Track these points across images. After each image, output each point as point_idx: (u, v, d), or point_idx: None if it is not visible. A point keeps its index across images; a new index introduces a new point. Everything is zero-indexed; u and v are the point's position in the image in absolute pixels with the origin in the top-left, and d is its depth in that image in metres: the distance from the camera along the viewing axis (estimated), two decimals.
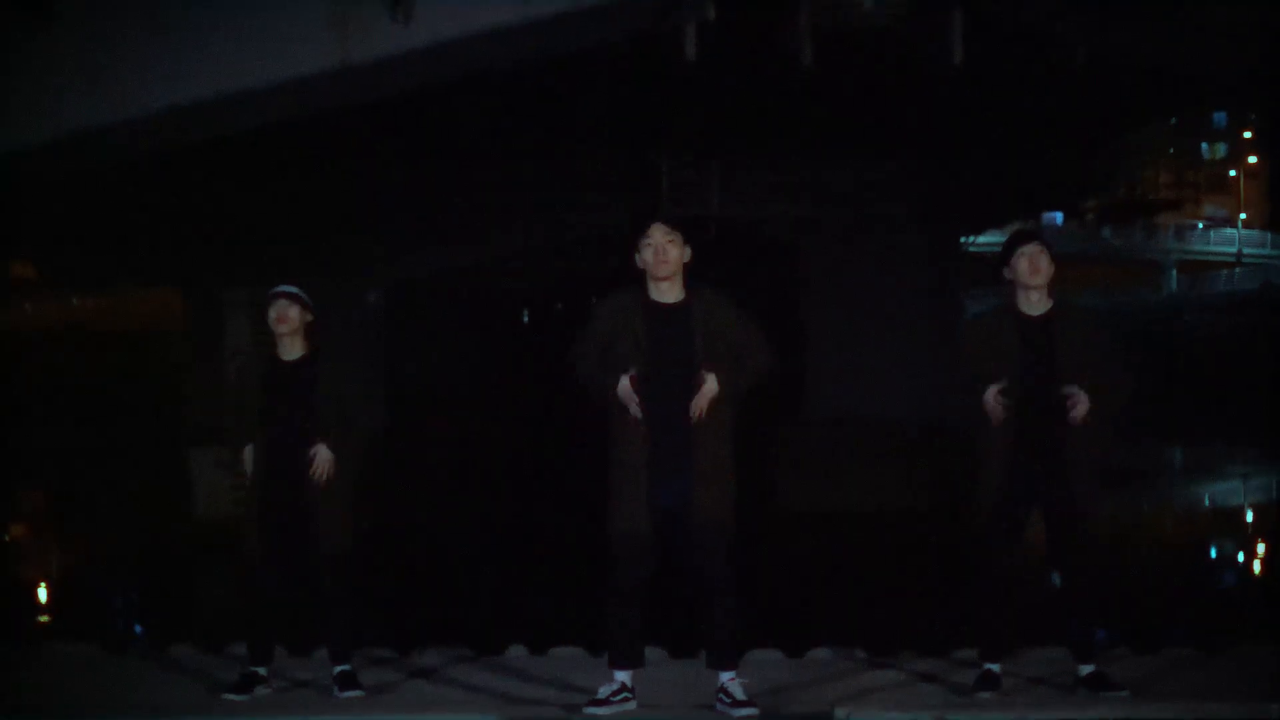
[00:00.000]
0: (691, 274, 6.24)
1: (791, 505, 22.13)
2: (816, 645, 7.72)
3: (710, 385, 5.99)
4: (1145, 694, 6.52)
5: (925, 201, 24.39)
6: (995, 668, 6.49)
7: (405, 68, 12.36)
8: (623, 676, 6.32)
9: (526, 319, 34.23)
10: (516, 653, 7.80)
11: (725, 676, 6.29)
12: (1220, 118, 66.68)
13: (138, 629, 13.58)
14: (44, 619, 15.48)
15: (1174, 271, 61.93)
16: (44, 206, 18.09)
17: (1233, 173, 69.07)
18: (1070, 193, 36.05)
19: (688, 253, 6.16)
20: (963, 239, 28.65)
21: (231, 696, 6.65)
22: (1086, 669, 6.53)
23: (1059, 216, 59.81)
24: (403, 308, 26.22)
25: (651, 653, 7.78)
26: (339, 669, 6.81)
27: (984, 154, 24.34)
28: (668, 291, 6.14)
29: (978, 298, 41.96)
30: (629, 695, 6.31)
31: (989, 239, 47.44)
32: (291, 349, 6.73)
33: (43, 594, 17.67)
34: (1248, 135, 66.65)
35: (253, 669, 6.76)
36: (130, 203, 19.64)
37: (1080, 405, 6.21)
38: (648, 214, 6.18)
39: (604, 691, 6.31)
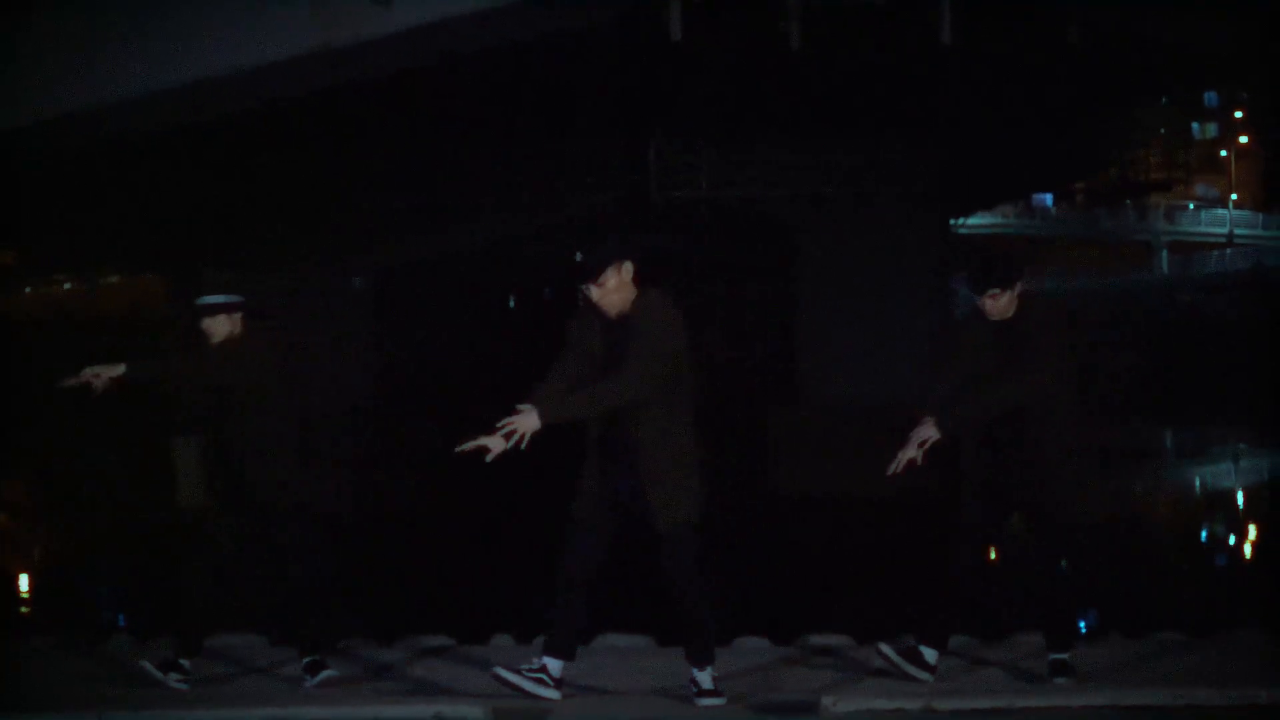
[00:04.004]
0: (651, 280, 6.27)
1: (779, 491, 22.07)
2: (805, 632, 7.66)
3: (525, 420, 5.95)
4: (1133, 679, 6.48)
5: (914, 183, 24.30)
6: (935, 654, 6.57)
7: (387, 51, 12.26)
8: (551, 664, 6.28)
9: (513, 304, 34.16)
10: (501, 642, 7.74)
11: (694, 672, 6.30)
12: (1211, 97, 66.64)
13: (120, 620, 13.50)
14: (25, 611, 15.40)
15: (1165, 252, 61.97)
16: (27, 191, 17.96)
17: (1224, 153, 69.03)
18: (1061, 174, 36.00)
19: (625, 271, 6.14)
20: (952, 220, 28.56)
21: (150, 669, 6.68)
22: (1057, 657, 6.54)
23: (1049, 198, 59.85)
24: (387, 293, 26.14)
25: (640, 640, 7.73)
26: (307, 659, 6.78)
27: (974, 135, 24.26)
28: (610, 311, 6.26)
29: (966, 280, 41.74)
30: (546, 681, 6.25)
31: (979, 220, 47.51)
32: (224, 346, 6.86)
33: (24, 585, 17.59)
34: (1239, 115, 66.64)
35: (181, 660, 6.74)
36: (114, 188, 19.53)
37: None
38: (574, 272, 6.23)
39: (526, 666, 6.29)
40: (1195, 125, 70.22)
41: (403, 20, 11.76)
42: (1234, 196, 67.13)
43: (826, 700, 6.01)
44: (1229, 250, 60.92)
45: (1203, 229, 64.80)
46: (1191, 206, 66.62)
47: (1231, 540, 20.76)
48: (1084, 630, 12.03)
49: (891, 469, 6.48)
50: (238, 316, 6.81)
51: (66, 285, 44.53)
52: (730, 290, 31.54)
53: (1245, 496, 25.50)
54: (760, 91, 21.05)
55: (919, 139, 23.92)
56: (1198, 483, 28.32)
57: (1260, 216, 64.95)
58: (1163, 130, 64.23)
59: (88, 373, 6.67)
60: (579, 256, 6.19)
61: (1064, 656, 6.52)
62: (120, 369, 6.69)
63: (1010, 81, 21.45)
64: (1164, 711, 6.03)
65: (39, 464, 26.07)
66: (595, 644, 7.72)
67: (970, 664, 6.93)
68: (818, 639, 7.52)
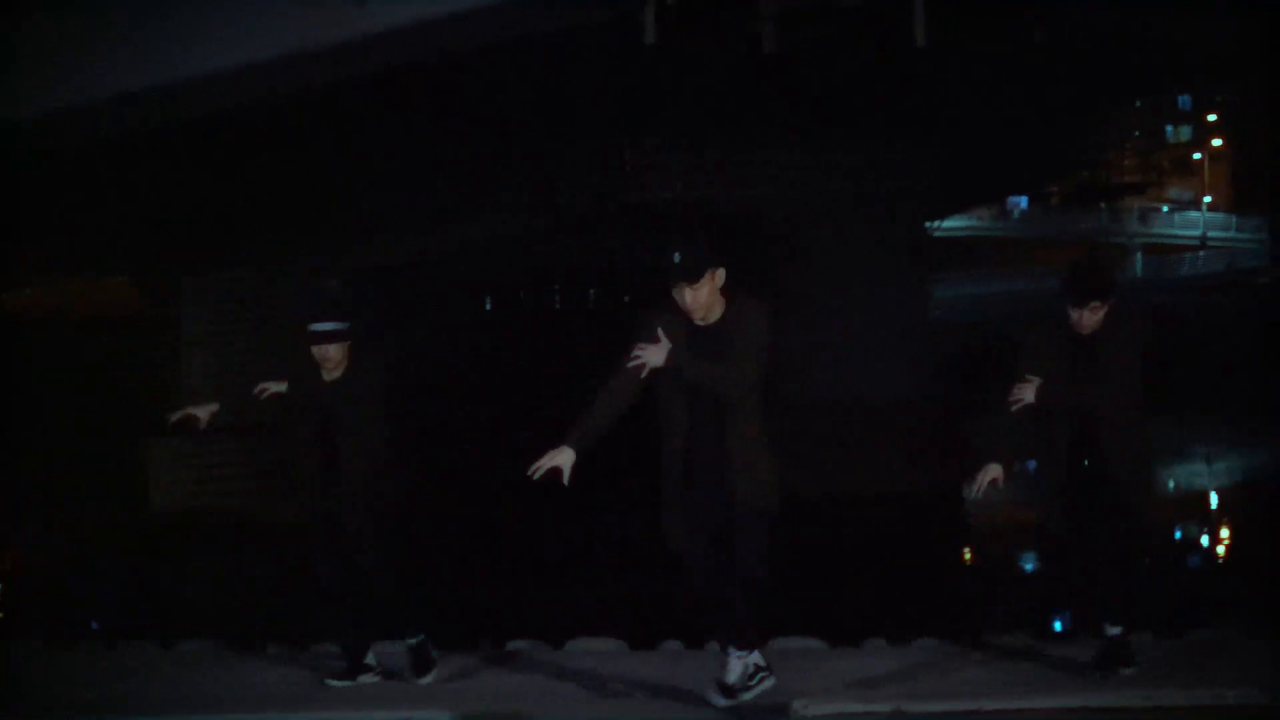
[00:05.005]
0: (738, 285, 6.22)
1: None
2: (777, 635, 7.65)
3: (651, 352, 6.00)
4: (1100, 679, 6.51)
5: (888, 185, 24.37)
6: (1118, 630, 6.58)
7: (360, 54, 12.24)
8: (755, 658, 6.21)
9: (489, 306, 34.14)
10: (479, 645, 7.75)
11: (733, 653, 6.19)
12: (1185, 100, 66.99)
13: (93, 624, 13.45)
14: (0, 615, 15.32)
15: (1139, 255, 62.27)
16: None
17: (1197, 155, 69.39)
18: (1035, 176, 36.14)
19: (719, 277, 6.11)
20: (927, 223, 28.65)
21: (334, 683, 6.83)
22: (1114, 630, 6.59)
23: (1024, 200, 60.08)
24: (361, 295, 26.06)
25: (611, 644, 7.74)
26: (410, 642, 6.92)
27: (947, 138, 24.35)
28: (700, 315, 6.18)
29: (943, 282, 42.09)
30: (765, 674, 6.22)
31: (954, 223, 47.64)
32: (336, 370, 6.89)
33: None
34: (1212, 118, 66.99)
35: (361, 662, 6.93)
36: (84, 189, 19.44)
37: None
38: (669, 273, 6.04)
39: (733, 673, 6.20)
40: (1169, 128, 70.57)
41: (376, 23, 11.71)
42: (1207, 199, 67.48)
43: (797, 704, 6.02)
44: (1202, 252, 61.24)
45: (1176, 231, 65.10)
46: (1165, 209, 66.93)
47: (1204, 540, 20.87)
48: (1059, 630, 12.08)
49: (974, 490, 6.46)
50: (345, 346, 6.83)
51: (34, 287, 44.15)
52: None
53: (1218, 497, 25.65)
54: (734, 94, 21.09)
55: (893, 141, 24.00)
56: (1170, 483, 28.46)
57: (1233, 219, 65.28)
58: (1137, 133, 64.54)
59: (194, 411, 6.81)
60: (676, 258, 6.03)
61: (1119, 631, 6.55)
62: (281, 388, 6.78)
63: (984, 84, 21.53)
64: (1133, 713, 6.07)
65: (6, 467, 25.92)
66: (568, 648, 7.73)
67: (943, 666, 6.95)
68: (791, 642, 7.52)
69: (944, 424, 24.05)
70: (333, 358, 6.79)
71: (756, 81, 20.02)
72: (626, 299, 36.14)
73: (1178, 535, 21.15)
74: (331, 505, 6.82)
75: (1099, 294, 6.43)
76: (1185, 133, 70.91)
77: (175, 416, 6.88)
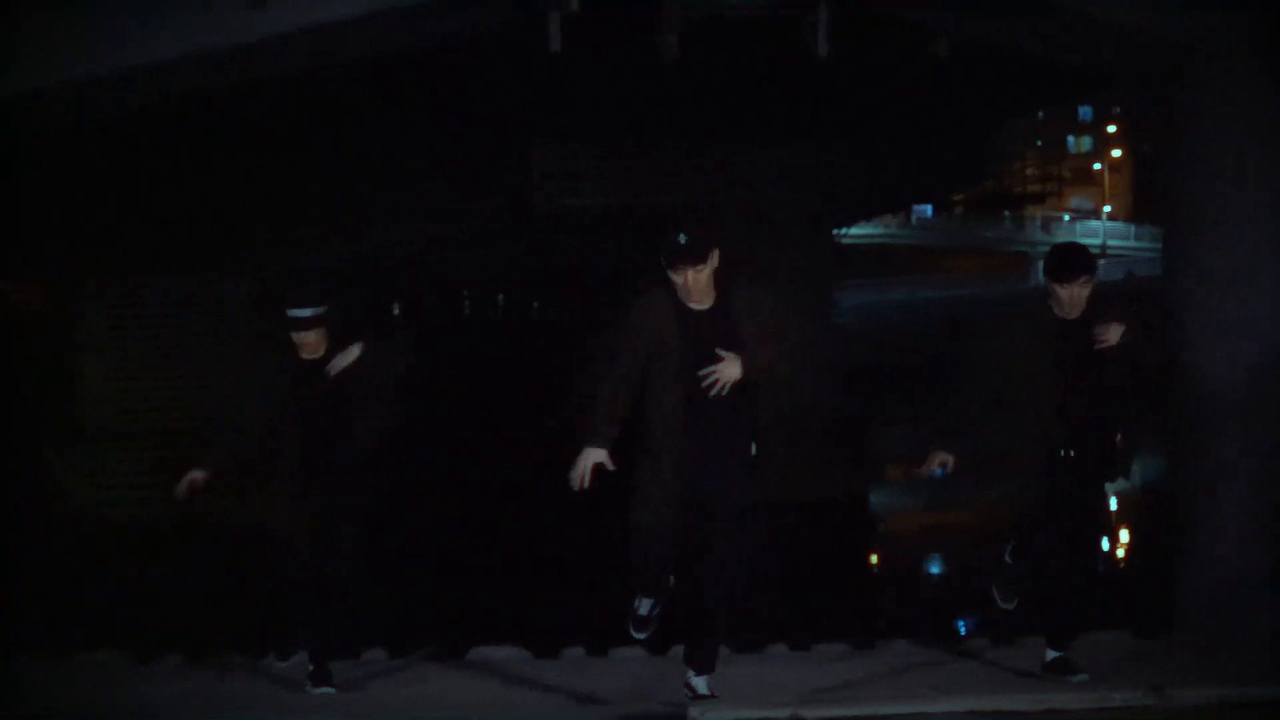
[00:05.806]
0: (725, 271, 6.06)
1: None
2: (679, 642, 7.69)
3: (729, 367, 5.88)
4: (995, 683, 6.63)
5: (794, 194, 24.59)
6: (1060, 654, 6.63)
7: (259, 57, 12.10)
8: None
9: (397, 312, 34.04)
10: (373, 655, 7.72)
11: (691, 677, 6.22)
12: (1086, 111, 68.30)
13: None
14: None
15: (1041, 262, 63.32)
16: None
17: (1097, 166, 70.74)
18: (939, 185, 36.61)
19: (715, 257, 5.98)
20: (834, 231, 28.96)
21: (322, 690, 6.73)
22: (1053, 654, 6.66)
23: (929, 209, 60.90)
24: (270, 303, 25.87)
25: (515, 652, 7.74)
26: (314, 666, 6.81)
27: (853, 146, 24.62)
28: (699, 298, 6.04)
29: (849, 289, 42.53)
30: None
31: (860, 231, 48.09)
32: (314, 353, 6.76)
33: None
34: (1112, 129, 68.34)
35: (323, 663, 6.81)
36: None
37: (1111, 333, 6.27)
38: (673, 254, 5.88)
39: (644, 607, 6.17)
40: (1070, 139, 71.87)
41: (273, 27, 11.57)
42: (1107, 209, 68.81)
43: (694, 710, 6.06)
44: (1102, 261, 62.37)
45: (1077, 239, 66.15)
46: (1066, 218, 68.12)
47: (1105, 544, 21.24)
48: (963, 633, 12.23)
49: (925, 471, 6.48)
50: (324, 330, 6.71)
51: None
52: (615, 295, 31.62)
53: (1117, 500, 26.12)
54: (641, 102, 21.19)
55: (797, 150, 24.20)
56: None
57: (1132, 228, 66.60)
58: (1039, 143, 65.65)
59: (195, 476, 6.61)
60: (681, 239, 5.88)
61: (1061, 654, 6.62)
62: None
63: (887, 94, 21.78)
64: (1024, 716, 6.17)
65: None
66: (470, 656, 7.72)
67: (843, 671, 7.03)
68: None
69: (848, 429, 24.30)
70: (311, 343, 6.67)
71: (662, 90, 20.14)
72: (535, 305, 36.17)
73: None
74: (313, 505, 6.67)
75: (1088, 268, 6.36)
76: (1086, 143, 72.28)
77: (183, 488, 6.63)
